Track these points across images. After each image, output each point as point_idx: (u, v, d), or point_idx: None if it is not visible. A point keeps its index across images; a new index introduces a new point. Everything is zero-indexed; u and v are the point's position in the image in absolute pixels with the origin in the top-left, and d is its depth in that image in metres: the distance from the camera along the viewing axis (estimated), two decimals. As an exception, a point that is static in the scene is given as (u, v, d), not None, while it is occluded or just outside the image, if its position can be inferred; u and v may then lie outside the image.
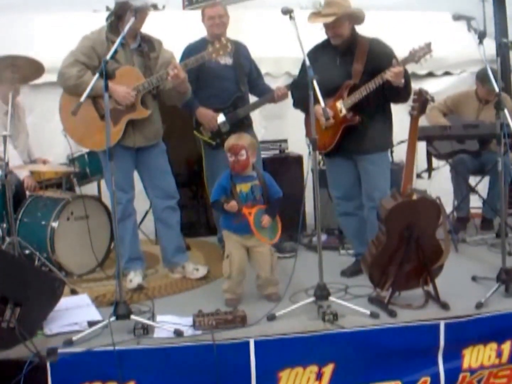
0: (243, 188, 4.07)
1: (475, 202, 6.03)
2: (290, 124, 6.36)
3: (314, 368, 3.54)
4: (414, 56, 4.20)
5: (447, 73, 6.89)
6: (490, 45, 6.60)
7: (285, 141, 6.22)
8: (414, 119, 3.88)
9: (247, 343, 3.47)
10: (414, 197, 3.85)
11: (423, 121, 5.61)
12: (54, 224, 4.82)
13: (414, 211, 3.82)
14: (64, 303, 3.88)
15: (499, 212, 5.44)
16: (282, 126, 6.51)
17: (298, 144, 6.19)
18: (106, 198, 5.17)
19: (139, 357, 3.39)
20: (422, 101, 3.82)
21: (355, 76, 4.35)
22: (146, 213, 5.79)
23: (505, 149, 4.06)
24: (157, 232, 4.96)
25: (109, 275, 4.83)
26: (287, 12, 3.89)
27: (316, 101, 3.77)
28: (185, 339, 3.50)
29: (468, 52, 6.56)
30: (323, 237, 5.68)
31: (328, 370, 3.55)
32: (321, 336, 3.56)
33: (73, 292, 4.39)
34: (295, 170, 5.91)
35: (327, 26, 4.39)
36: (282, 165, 5.96)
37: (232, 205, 3.99)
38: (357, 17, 4.41)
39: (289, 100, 5.27)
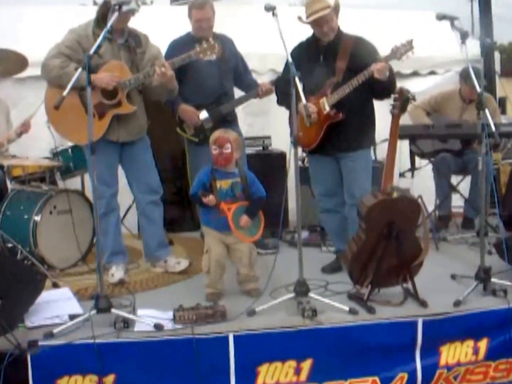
0: (223, 184, 4.09)
1: (456, 201, 6.09)
2: (274, 121, 6.38)
3: (292, 363, 3.58)
4: (396, 53, 4.23)
5: (432, 73, 6.93)
6: (476, 45, 6.67)
7: (269, 137, 6.22)
8: (395, 118, 3.93)
9: (227, 338, 3.51)
10: (394, 195, 3.88)
11: (407, 120, 5.71)
12: (37, 218, 4.82)
13: (394, 209, 3.86)
14: (45, 296, 3.89)
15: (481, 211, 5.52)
16: (265, 122, 6.53)
17: (281, 141, 6.23)
18: (90, 193, 5.16)
19: (119, 350, 3.42)
20: (403, 100, 3.87)
21: (338, 74, 4.37)
22: (129, 207, 5.80)
23: (486, 149, 4.10)
24: (140, 226, 4.97)
25: (92, 269, 4.82)
26: (270, 9, 3.90)
27: (299, 98, 3.80)
28: (165, 333, 3.52)
29: (453, 52, 6.61)
30: (305, 234, 5.71)
31: (306, 365, 3.59)
32: (300, 332, 3.60)
33: (55, 285, 4.39)
34: (278, 167, 5.90)
35: (319, 24, 4.37)
36: (265, 162, 5.96)
37: (210, 199, 4.00)
38: (338, 9, 4.43)
39: (273, 97, 5.27)
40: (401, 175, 5.92)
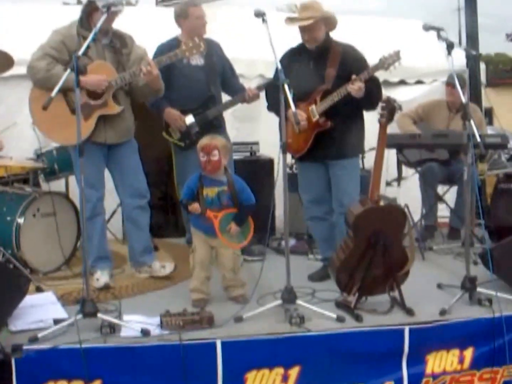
0: (209, 192, 4.08)
1: (442, 211, 6.12)
2: (262, 127, 6.38)
3: (280, 370, 3.56)
4: (384, 64, 4.28)
5: (419, 82, 6.96)
6: (463, 55, 6.69)
7: (257, 143, 6.19)
8: (382, 127, 3.95)
9: (214, 344, 3.48)
10: (381, 203, 3.90)
11: (394, 129, 5.73)
12: (20, 220, 4.75)
13: (381, 217, 3.88)
14: (29, 300, 3.85)
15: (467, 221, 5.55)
16: (254, 128, 6.50)
17: (269, 147, 6.21)
18: (74, 195, 5.12)
19: (106, 355, 3.38)
20: (390, 109, 3.90)
21: (328, 81, 4.39)
22: (114, 212, 5.74)
23: (472, 160, 4.13)
24: (125, 231, 4.93)
25: (76, 273, 4.78)
26: (260, 14, 3.90)
27: (288, 105, 3.80)
28: (152, 338, 3.49)
29: (440, 62, 6.64)
30: (292, 241, 5.69)
31: (294, 372, 3.57)
32: (287, 339, 3.59)
33: (38, 289, 4.33)
34: (266, 173, 5.87)
35: (303, 30, 4.42)
36: (253, 168, 5.93)
37: (195, 207, 4.01)
38: (331, 22, 4.46)
39: (262, 102, 5.27)
40: (388, 184, 5.92)
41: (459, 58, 6.66)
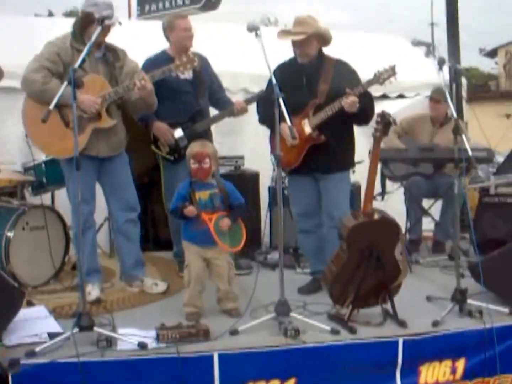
0: (202, 195, 4.10)
1: (425, 225, 6.19)
2: (246, 141, 6.44)
3: (276, 382, 3.60)
4: (379, 78, 4.35)
5: (400, 96, 7.04)
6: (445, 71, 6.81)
7: (241, 157, 6.20)
8: (376, 141, 4.01)
9: (211, 357, 3.50)
10: (375, 216, 3.95)
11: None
12: (10, 234, 4.70)
13: (375, 230, 3.94)
14: (22, 314, 3.82)
15: (452, 234, 5.64)
16: (237, 142, 6.52)
17: (252, 161, 6.27)
18: (62, 209, 5.10)
19: (104, 369, 3.38)
20: (385, 123, 3.96)
21: (320, 96, 4.44)
22: (101, 225, 5.71)
23: (460, 173, 4.21)
24: (116, 244, 4.92)
25: (66, 287, 4.76)
26: (253, 29, 3.92)
27: (283, 119, 3.84)
28: (150, 351, 3.49)
29: (422, 76, 6.79)
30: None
31: (290, 384, 3.61)
32: (283, 351, 3.62)
33: (29, 303, 4.28)
34: (251, 187, 5.92)
35: (295, 44, 4.47)
36: (238, 182, 5.91)
37: (191, 209, 4.02)
38: (325, 38, 4.52)
39: (245, 117, 5.32)
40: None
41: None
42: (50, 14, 33.29)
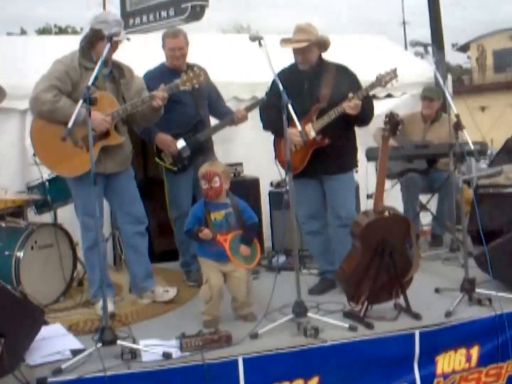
0: (217, 216, 4.13)
1: (423, 219, 6.29)
2: (242, 148, 6.48)
3: (300, 382, 3.67)
4: (381, 81, 4.44)
5: (388, 96, 7.11)
6: (427, 68, 6.91)
7: (241, 164, 6.27)
8: (385, 140, 4.09)
9: (236, 361, 3.56)
10: (386, 213, 4.04)
11: (372, 143, 5.90)
12: (19, 254, 4.70)
13: (387, 226, 4.03)
14: (40, 333, 3.81)
15: (451, 227, 5.76)
16: (233, 149, 6.55)
17: (250, 167, 6.33)
18: (66, 226, 5.13)
19: (131, 381, 3.42)
20: (393, 123, 4.05)
21: (323, 100, 4.51)
22: (106, 240, 5.74)
23: (454, 168, 4.31)
24: (126, 257, 4.94)
25: (77, 303, 4.78)
26: (256, 38, 3.99)
27: (290, 124, 3.91)
28: (174, 361, 3.53)
29: (409, 75, 6.88)
30: (282, 258, 5.78)
31: (313, 383, 3.69)
32: (305, 351, 3.69)
33: (45, 322, 4.30)
34: (252, 193, 5.99)
35: (296, 52, 4.55)
36: (239, 189, 5.99)
37: (206, 233, 4.04)
38: (324, 45, 4.61)
39: (241, 124, 5.38)
40: (369, 197, 6.06)
41: (425, 69, 6.94)
42: (23, 32, 33.05)
